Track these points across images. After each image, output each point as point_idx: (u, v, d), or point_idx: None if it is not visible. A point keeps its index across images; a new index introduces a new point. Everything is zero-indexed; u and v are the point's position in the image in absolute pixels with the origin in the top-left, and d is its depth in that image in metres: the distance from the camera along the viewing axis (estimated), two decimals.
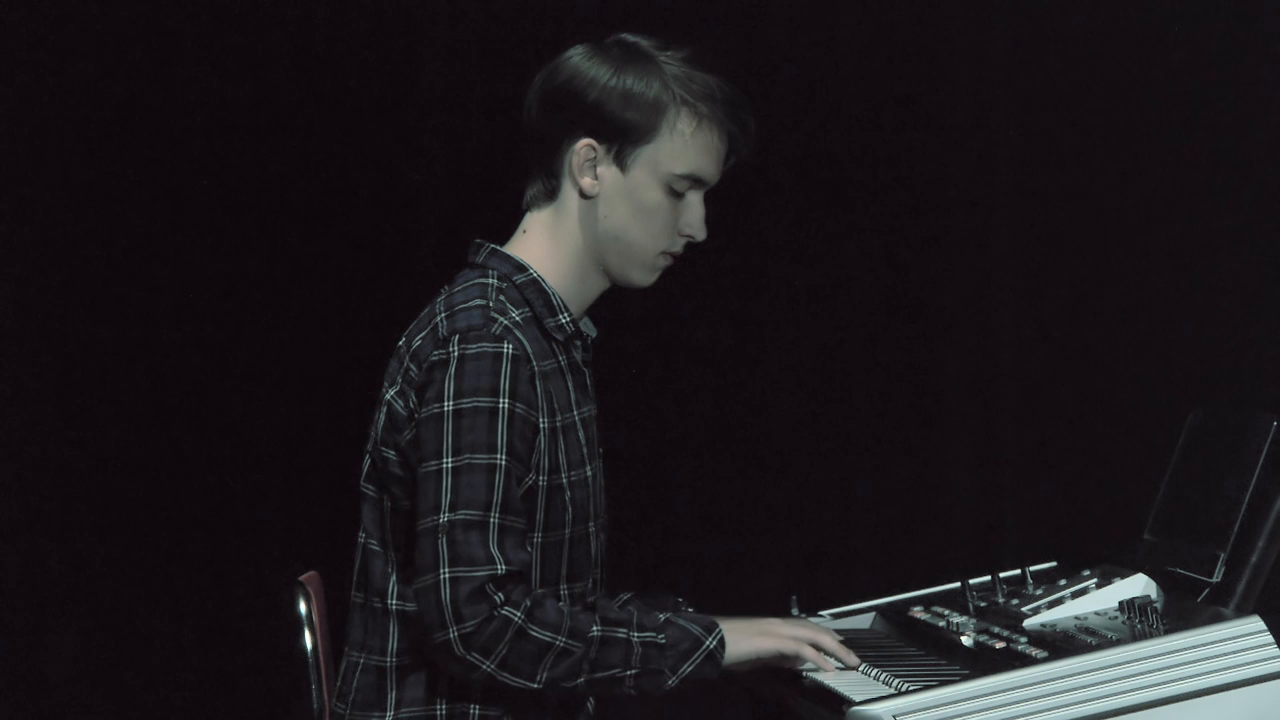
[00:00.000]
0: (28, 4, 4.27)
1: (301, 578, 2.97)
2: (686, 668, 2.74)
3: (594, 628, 2.70)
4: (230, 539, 4.34)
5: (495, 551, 2.66)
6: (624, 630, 2.72)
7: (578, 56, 2.84)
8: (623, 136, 2.81)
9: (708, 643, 2.76)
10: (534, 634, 2.66)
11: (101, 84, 4.31)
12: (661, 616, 2.77)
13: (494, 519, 2.67)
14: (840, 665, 2.84)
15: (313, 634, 2.92)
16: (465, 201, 4.37)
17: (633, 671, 2.72)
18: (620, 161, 2.83)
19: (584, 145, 2.82)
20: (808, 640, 2.83)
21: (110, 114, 4.32)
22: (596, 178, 2.83)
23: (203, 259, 4.36)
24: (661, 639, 2.73)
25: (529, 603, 2.67)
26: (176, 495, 4.35)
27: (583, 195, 2.84)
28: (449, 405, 2.70)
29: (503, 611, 2.64)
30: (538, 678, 2.68)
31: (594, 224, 2.85)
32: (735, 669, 2.81)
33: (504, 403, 2.70)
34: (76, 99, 4.30)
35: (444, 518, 2.66)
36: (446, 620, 2.63)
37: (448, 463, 2.68)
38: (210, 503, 4.36)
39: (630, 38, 2.86)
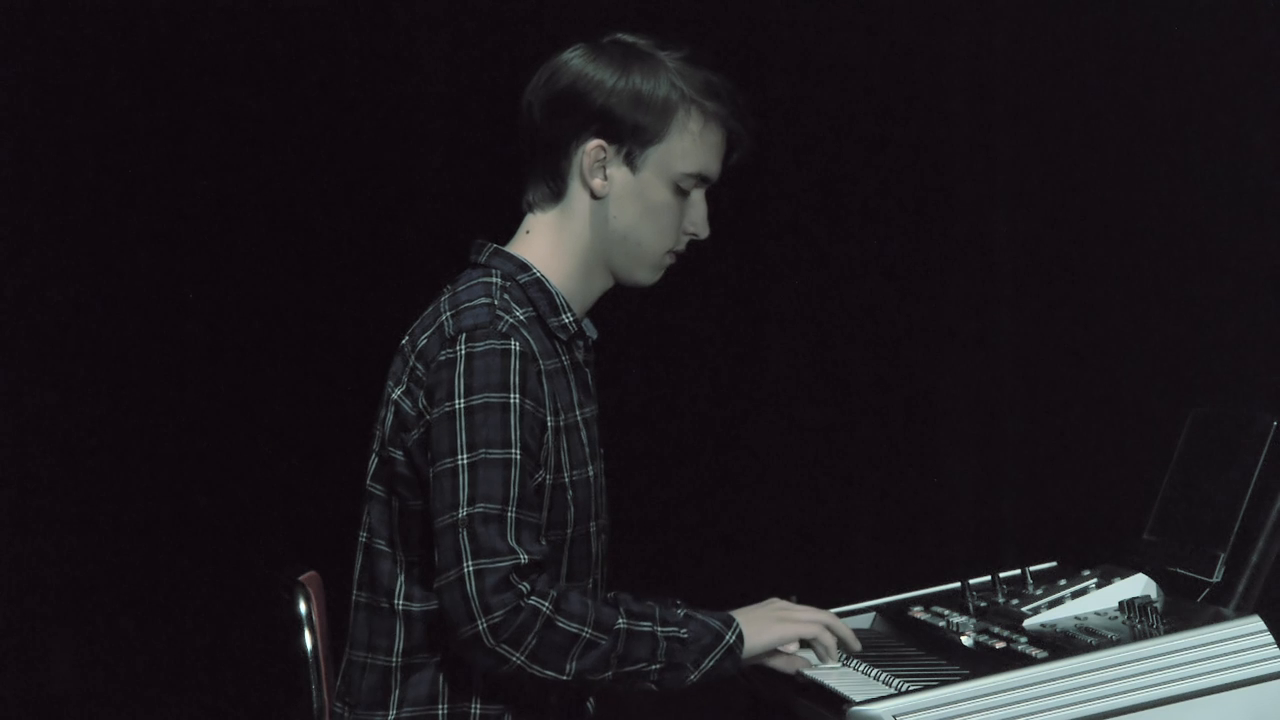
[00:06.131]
0: (29, 4, 4.28)
1: (301, 578, 2.97)
2: (708, 663, 2.75)
3: (619, 620, 2.71)
4: (230, 539, 4.34)
5: (514, 544, 2.66)
6: (648, 624, 2.72)
7: (579, 58, 2.84)
8: (633, 138, 2.81)
9: (728, 637, 2.76)
10: (561, 625, 2.66)
11: (102, 83, 4.31)
12: (681, 611, 2.77)
13: (511, 513, 2.67)
14: (842, 659, 2.85)
15: (313, 634, 2.92)
16: (467, 200, 4.38)
17: (657, 666, 2.72)
18: (630, 162, 2.83)
19: (594, 147, 2.82)
20: (825, 623, 2.85)
21: (110, 115, 4.31)
22: (606, 179, 2.83)
23: (204, 258, 4.36)
24: (684, 634, 2.74)
25: (555, 593, 2.67)
26: (177, 495, 4.35)
27: (593, 196, 2.84)
28: (460, 403, 2.70)
29: (530, 601, 2.64)
30: (567, 669, 2.68)
31: (603, 224, 2.85)
32: (754, 660, 2.82)
33: (515, 398, 2.70)
34: (76, 97, 4.30)
35: (462, 512, 2.66)
36: (475, 613, 2.63)
37: (463, 459, 2.68)
38: (210, 502, 4.36)
39: (628, 37, 2.86)
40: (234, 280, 4.38)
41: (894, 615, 3.19)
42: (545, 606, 2.65)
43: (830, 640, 2.86)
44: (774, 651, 2.85)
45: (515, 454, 2.69)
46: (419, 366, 2.77)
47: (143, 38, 4.32)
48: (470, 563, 2.64)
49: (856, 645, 2.89)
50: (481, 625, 2.63)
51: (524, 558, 2.65)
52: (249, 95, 4.36)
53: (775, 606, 2.87)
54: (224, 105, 4.35)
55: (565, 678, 2.68)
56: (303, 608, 2.92)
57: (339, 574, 3.00)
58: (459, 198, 4.41)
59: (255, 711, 4.27)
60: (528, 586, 2.65)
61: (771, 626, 2.82)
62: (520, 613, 2.64)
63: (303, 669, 2.91)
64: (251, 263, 4.38)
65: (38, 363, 4.31)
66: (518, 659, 2.66)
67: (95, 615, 4.32)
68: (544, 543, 2.73)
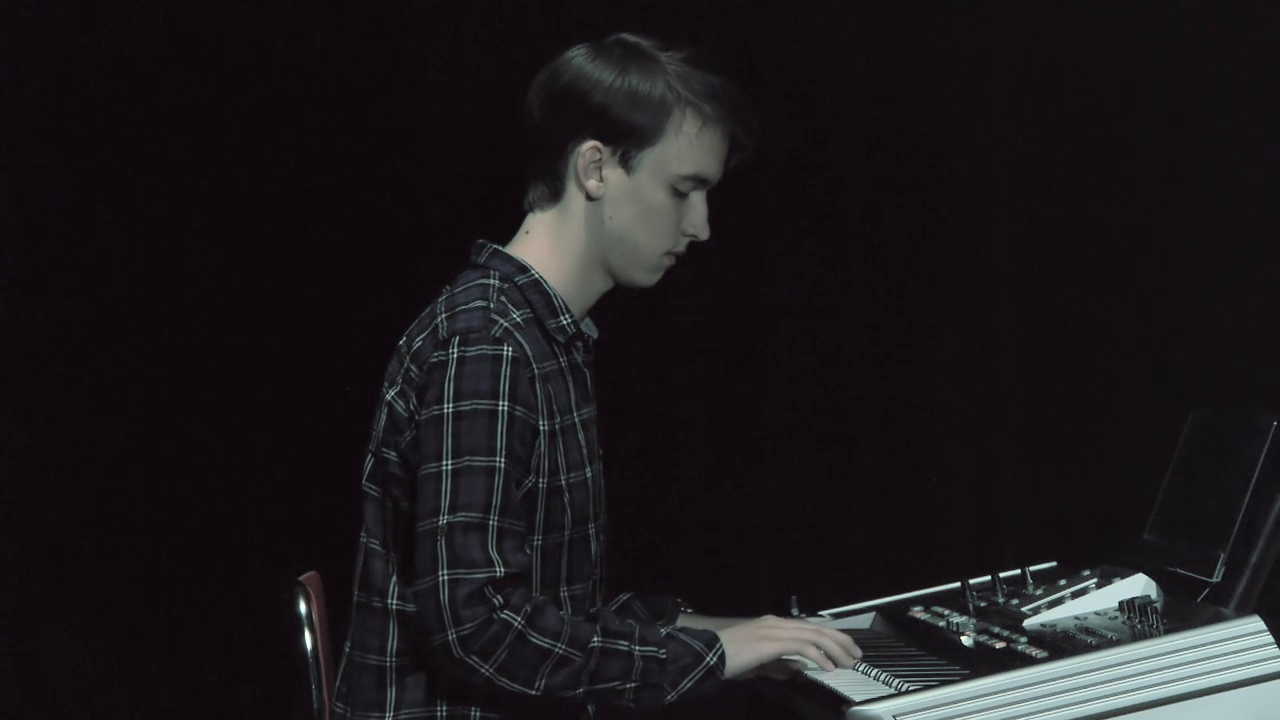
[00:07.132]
0: (29, 4, 4.27)
1: (301, 578, 2.97)
2: (686, 683, 2.73)
3: (595, 638, 2.70)
4: (230, 539, 4.34)
5: (494, 554, 2.65)
6: (625, 643, 2.71)
7: (580, 58, 2.84)
8: (629, 139, 2.81)
9: (708, 659, 2.75)
10: (534, 640, 2.65)
11: (102, 82, 4.30)
12: (664, 631, 2.76)
13: (493, 521, 2.67)
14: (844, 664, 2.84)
15: (313, 634, 2.92)
16: (466, 201, 4.37)
17: (632, 685, 2.71)
18: (626, 163, 2.82)
19: (589, 147, 2.82)
20: (809, 640, 2.82)
21: (110, 114, 4.31)
22: (602, 179, 2.83)
23: (203, 258, 4.36)
24: (663, 654, 2.72)
25: (529, 608, 2.66)
26: (176, 495, 4.35)
27: (588, 197, 2.84)
28: (448, 408, 2.70)
29: (502, 615, 2.64)
30: (536, 684, 2.67)
31: (599, 225, 2.85)
32: (740, 678, 2.80)
33: (503, 405, 2.70)
34: (76, 96, 4.30)
35: (443, 520, 2.66)
36: (445, 622, 2.63)
37: (447, 465, 2.68)
38: (210, 503, 4.35)
39: (631, 38, 2.86)
40: (233, 280, 4.37)
41: (894, 615, 3.19)
42: (518, 621, 2.65)
43: (815, 654, 2.81)
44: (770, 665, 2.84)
45: (500, 462, 2.69)
46: (413, 368, 2.77)
47: (142, 37, 4.31)
48: (445, 572, 2.64)
49: (848, 659, 2.84)
50: (451, 635, 2.63)
51: (500, 570, 2.65)
52: (249, 95, 4.35)
53: (764, 624, 2.84)
54: (223, 105, 4.34)
55: (534, 692, 2.67)
56: (303, 608, 2.93)
57: (339, 574, 3.00)
58: (460, 197, 4.40)
59: (255, 711, 4.27)
60: (501, 600, 2.64)
61: (754, 645, 2.79)
62: (491, 625, 2.64)
63: (303, 669, 2.91)
64: (251, 263, 4.38)
65: (37, 363, 4.31)
66: (486, 670, 2.65)
67: (95, 615, 4.32)
68: (528, 551, 2.73)
